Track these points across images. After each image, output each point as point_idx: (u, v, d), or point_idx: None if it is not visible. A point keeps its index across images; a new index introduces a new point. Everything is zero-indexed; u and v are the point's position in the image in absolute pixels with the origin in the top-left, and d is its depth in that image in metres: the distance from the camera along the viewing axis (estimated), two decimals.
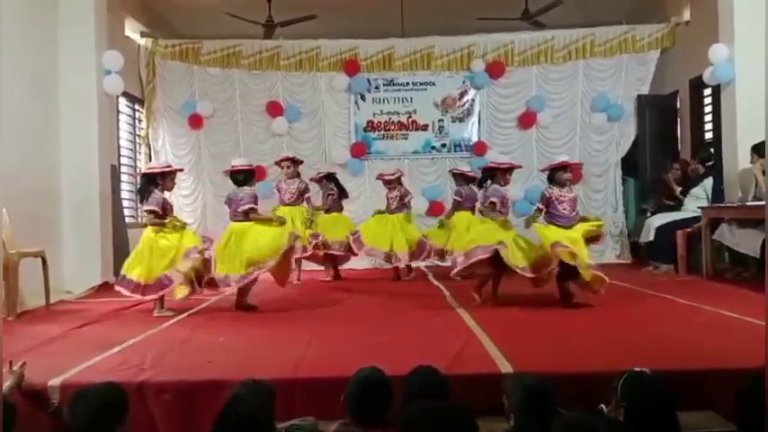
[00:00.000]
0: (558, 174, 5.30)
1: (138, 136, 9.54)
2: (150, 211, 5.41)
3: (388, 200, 7.79)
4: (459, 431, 2.06)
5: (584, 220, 5.38)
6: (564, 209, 5.22)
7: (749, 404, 2.34)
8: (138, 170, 9.49)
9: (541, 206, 5.30)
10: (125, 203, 8.69)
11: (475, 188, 7.06)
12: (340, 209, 8.01)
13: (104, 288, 7.13)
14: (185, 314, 5.36)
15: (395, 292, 6.60)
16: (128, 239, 8.12)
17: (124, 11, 8.80)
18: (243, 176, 5.72)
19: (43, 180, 6.76)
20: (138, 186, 5.56)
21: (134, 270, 5.31)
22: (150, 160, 9.57)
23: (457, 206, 7.59)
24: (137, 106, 9.47)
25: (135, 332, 4.51)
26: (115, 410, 2.59)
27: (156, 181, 5.44)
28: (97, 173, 7.29)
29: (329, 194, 7.85)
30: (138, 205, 5.53)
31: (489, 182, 5.66)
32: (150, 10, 9.67)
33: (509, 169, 5.68)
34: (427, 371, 2.78)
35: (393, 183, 7.74)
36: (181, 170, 6.20)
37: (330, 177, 8.05)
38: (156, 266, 5.27)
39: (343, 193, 8.02)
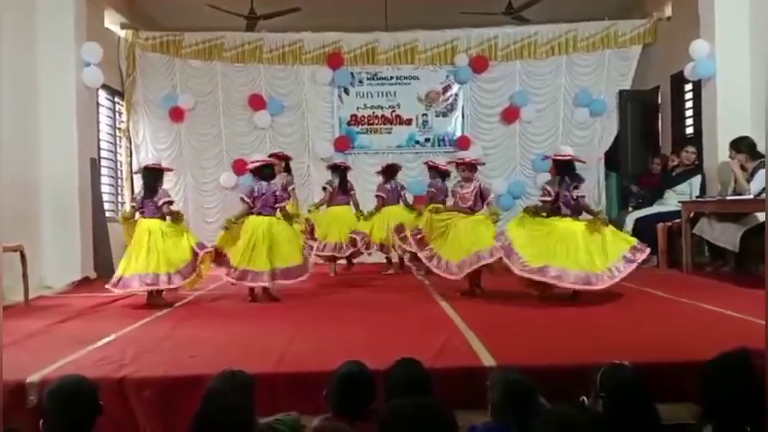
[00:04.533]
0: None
1: (119, 129, 9.42)
2: (171, 202, 5.61)
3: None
4: (438, 429, 2.04)
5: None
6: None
7: (713, 388, 2.42)
8: (118, 164, 9.40)
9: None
10: (105, 197, 8.58)
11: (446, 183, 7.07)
12: (342, 202, 7.62)
13: (84, 283, 7.05)
14: (167, 309, 5.33)
15: (379, 286, 6.60)
16: (108, 234, 8.03)
17: (104, 2, 8.67)
18: (271, 170, 5.89)
19: (22, 174, 6.63)
20: (153, 178, 5.60)
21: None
22: (131, 154, 9.49)
23: (432, 198, 7.42)
24: (117, 99, 9.35)
25: (116, 327, 4.47)
26: (84, 407, 2.44)
27: (162, 178, 5.70)
28: (76, 167, 7.19)
29: (326, 188, 7.56)
30: (146, 198, 5.59)
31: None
32: (131, 1, 9.54)
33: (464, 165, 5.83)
34: (409, 363, 2.76)
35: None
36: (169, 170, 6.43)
37: (336, 168, 7.69)
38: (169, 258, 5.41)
39: (342, 186, 7.56)
